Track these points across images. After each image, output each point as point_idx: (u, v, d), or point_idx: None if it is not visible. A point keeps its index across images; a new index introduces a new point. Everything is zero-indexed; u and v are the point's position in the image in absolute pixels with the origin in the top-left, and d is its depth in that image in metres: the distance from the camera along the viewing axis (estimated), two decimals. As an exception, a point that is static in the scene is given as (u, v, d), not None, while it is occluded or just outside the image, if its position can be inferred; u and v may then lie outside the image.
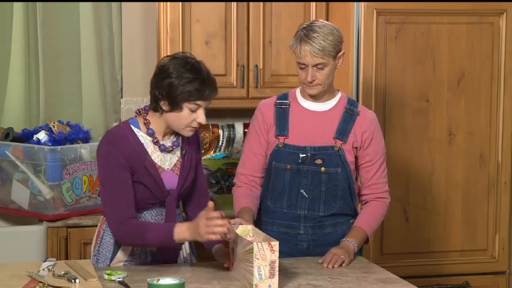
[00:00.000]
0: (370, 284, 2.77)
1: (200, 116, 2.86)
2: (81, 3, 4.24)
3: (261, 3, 4.13)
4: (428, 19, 3.97)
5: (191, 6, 4.07)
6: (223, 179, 4.14)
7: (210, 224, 2.71)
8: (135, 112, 2.99)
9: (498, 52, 4.05)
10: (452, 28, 4.00)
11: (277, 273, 2.62)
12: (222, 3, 4.10)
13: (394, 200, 3.98)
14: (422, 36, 3.97)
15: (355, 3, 3.88)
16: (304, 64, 3.03)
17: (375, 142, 3.16)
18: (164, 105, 2.85)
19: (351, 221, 3.17)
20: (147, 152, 2.91)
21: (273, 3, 4.14)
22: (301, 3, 4.16)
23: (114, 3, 4.32)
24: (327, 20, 4.15)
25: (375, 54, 3.91)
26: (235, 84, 4.16)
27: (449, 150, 4.05)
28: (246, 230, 2.87)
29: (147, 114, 2.94)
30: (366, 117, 3.16)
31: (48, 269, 2.78)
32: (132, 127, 2.93)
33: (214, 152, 4.31)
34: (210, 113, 4.36)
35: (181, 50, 4.06)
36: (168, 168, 2.96)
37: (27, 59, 4.18)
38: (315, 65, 3.01)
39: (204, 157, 4.23)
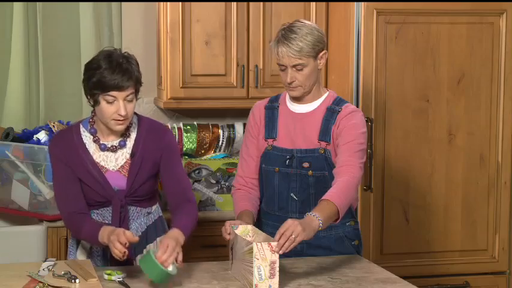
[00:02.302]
0: (370, 284, 2.77)
1: (119, 108, 2.79)
2: (81, 3, 4.24)
3: (261, 3, 4.13)
4: (428, 19, 3.97)
5: (191, 6, 4.08)
6: (223, 179, 4.14)
7: (114, 243, 2.70)
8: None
9: (498, 52, 4.05)
10: (452, 28, 4.00)
11: (277, 273, 2.62)
12: (222, 3, 4.10)
13: (394, 200, 4.00)
14: (422, 36, 3.96)
15: (355, 3, 3.88)
16: (283, 65, 2.99)
17: (345, 130, 3.00)
18: (90, 101, 2.86)
19: (347, 224, 3.12)
20: (88, 152, 2.92)
21: (273, 3, 4.14)
22: (301, 3, 4.16)
23: (114, 3, 4.32)
24: (327, 20, 4.17)
25: (374, 54, 3.91)
26: (235, 84, 4.16)
27: (449, 151, 4.05)
28: (246, 230, 2.87)
29: (95, 114, 2.94)
30: (345, 112, 3.05)
31: (48, 269, 2.78)
32: (81, 126, 2.96)
33: (214, 152, 4.30)
34: (210, 113, 4.42)
35: (181, 50, 4.07)
36: (113, 169, 2.94)
37: (27, 59, 4.18)
38: (294, 66, 2.97)
39: (204, 157, 4.23)
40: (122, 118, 2.82)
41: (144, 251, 2.93)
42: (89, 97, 2.85)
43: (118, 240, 2.69)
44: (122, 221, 2.95)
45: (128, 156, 2.94)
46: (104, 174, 2.92)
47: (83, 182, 2.91)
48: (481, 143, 4.08)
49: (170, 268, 2.67)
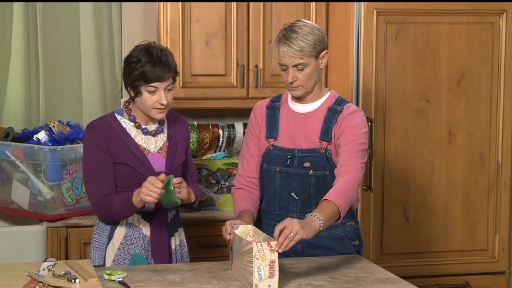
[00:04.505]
0: (370, 284, 2.77)
1: (161, 98, 3.01)
2: (81, 3, 4.24)
3: (261, 3, 4.13)
4: (428, 19, 3.97)
5: (191, 6, 4.08)
6: (223, 179, 4.14)
7: (150, 188, 2.86)
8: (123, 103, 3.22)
9: (498, 52, 4.05)
10: (452, 28, 4.00)
11: (277, 273, 2.62)
12: (222, 3, 4.10)
13: (394, 200, 4.00)
14: (422, 36, 3.97)
15: (355, 3, 3.88)
16: (285, 65, 3.00)
17: (347, 130, 3.01)
18: (130, 93, 3.07)
19: (347, 224, 3.12)
20: (130, 135, 3.10)
21: (273, 3, 4.14)
22: (301, 3, 4.16)
23: (114, 3, 4.32)
24: (327, 20, 4.17)
25: (374, 54, 3.91)
26: (235, 84, 4.16)
27: (449, 150, 4.05)
28: (246, 230, 2.87)
29: (129, 104, 3.15)
30: (346, 113, 3.05)
31: (48, 269, 2.79)
32: (116, 115, 3.15)
33: (214, 152, 4.30)
34: (210, 113, 4.42)
35: (181, 50, 4.07)
36: (154, 151, 3.14)
37: (27, 59, 4.19)
38: (295, 66, 2.98)
39: (204, 157, 4.23)
40: (163, 107, 3.03)
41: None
42: (129, 89, 3.06)
43: (152, 183, 2.87)
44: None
45: (165, 139, 3.18)
46: (146, 155, 3.10)
47: (126, 164, 3.07)
48: (481, 143, 4.08)
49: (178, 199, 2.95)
